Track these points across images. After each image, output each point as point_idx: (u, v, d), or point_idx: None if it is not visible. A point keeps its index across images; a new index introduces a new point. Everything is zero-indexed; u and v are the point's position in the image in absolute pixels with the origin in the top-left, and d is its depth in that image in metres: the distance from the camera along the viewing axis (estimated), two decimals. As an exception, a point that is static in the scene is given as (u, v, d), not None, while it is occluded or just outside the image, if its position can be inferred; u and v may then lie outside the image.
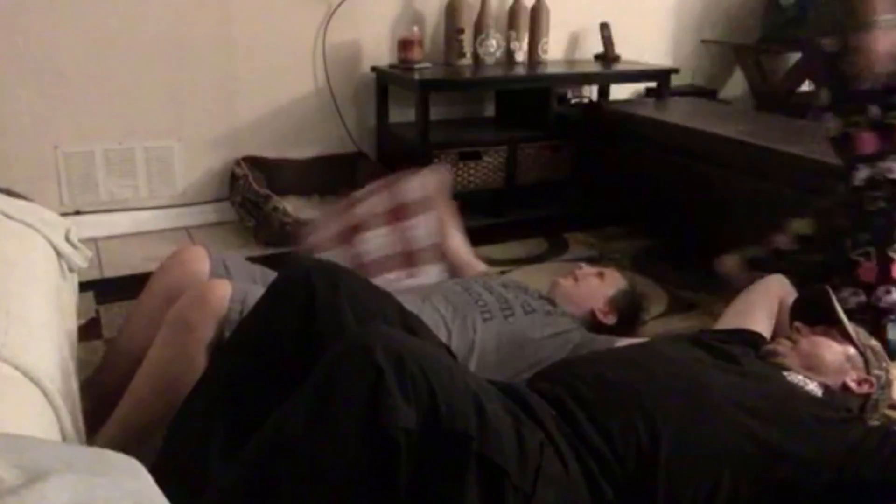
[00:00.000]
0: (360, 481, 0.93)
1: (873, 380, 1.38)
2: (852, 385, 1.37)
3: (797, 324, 1.50)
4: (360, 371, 0.95)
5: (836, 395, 1.35)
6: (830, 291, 1.51)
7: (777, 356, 1.42)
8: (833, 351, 1.41)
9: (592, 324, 1.71)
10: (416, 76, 2.72)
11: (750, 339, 1.50)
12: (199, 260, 1.48)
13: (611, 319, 1.72)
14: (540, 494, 1.00)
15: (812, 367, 1.38)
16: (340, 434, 0.93)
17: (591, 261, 2.39)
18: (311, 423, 0.95)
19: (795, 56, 3.60)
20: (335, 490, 0.93)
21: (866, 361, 1.40)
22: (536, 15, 3.10)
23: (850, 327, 1.45)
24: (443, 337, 1.33)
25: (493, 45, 3.00)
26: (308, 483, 0.93)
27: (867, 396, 1.38)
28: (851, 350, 1.41)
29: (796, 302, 1.62)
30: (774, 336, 1.63)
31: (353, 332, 1.04)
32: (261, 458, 0.97)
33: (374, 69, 2.93)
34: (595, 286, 1.74)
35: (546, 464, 1.04)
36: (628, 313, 1.76)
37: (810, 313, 1.53)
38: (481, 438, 0.97)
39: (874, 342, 1.47)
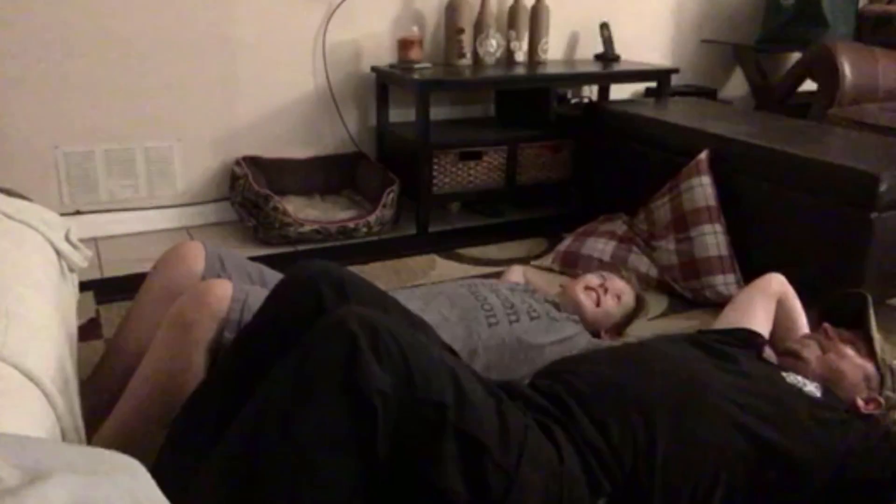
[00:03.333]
0: (341, 448, 0.94)
1: (882, 400, 1.36)
2: (860, 404, 1.35)
3: (826, 325, 1.48)
4: (335, 339, 0.97)
5: (836, 396, 1.35)
6: (869, 301, 1.49)
7: (800, 360, 1.41)
8: (854, 368, 1.39)
9: (589, 328, 1.73)
10: (416, 76, 2.72)
11: (749, 339, 1.50)
12: (196, 256, 1.48)
13: (607, 338, 1.77)
14: (524, 475, 1.01)
15: (830, 380, 1.37)
16: (319, 400, 0.95)
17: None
18: (291, 392, 0.97)
19: (795, 56, 3.60)
20: (317, 458, 0.94)
21: (882, 382, 1.39)
22: (536, 15, 3.10)
23: (878, 343, 1.43)
24: (447, 340, 1.32)
25: (493, 45, 3.00)
26: (290, 451, 0.94)
27: (870, 416, 1.36)
28: (871, 369, 1.40)
29: (830, 301, 1.60)
30: (774, 336, 1.63)
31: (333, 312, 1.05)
32: (245, 430, 0.98)
33: (374, 69, 2.93)
34: (611, 311, 1.77)
35: (531, 445, 1.04)
36: (621, 328, 1.83)
37: (842, 315, 1.51)
38: (458, 410, 0.98)
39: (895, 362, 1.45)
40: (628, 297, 1.81)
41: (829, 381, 1.36)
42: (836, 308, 1.55)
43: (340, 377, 0.94)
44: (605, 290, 1.77)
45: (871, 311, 1.47)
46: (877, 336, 1.44)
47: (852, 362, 1.39)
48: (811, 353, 1.42)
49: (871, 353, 1.41)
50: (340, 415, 0.94)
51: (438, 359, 1.03)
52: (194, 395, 1.19)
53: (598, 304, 1.75)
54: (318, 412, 0.94)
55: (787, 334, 1.64)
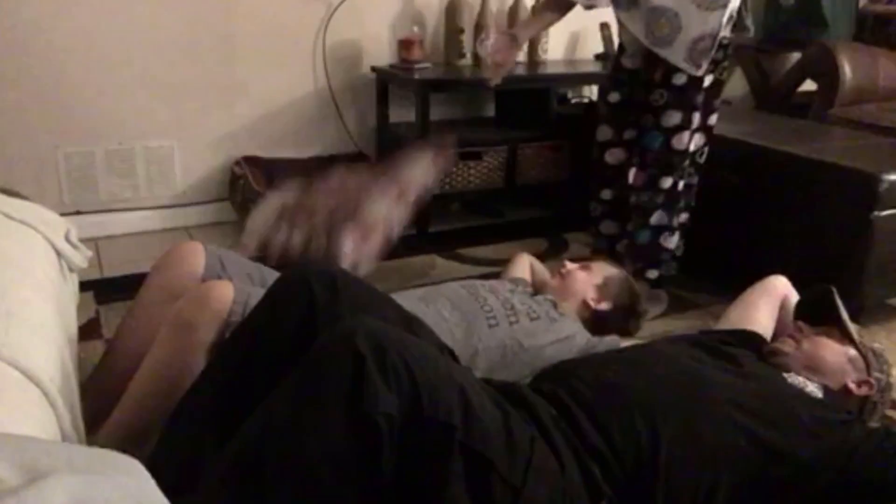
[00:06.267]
0: (346, 468, 0.94)
1: (873, 382, 1.39)
2: (852, 387, 1.37)
3: (799, 323, 1.51)
4: (342, 358, 0.96)
5: (836, 397, 1.35)
6: (834, 291, 1.51)
7: (780, 356, 1.42)
8: (834, 352, 1.41)
9: (589, 317, 1.71)
10: (416, 76, 2.72)
11: (750, 340, 1.51)
12: (195, 257, 1.47)
13: (605, 306, 1.72)
14: (530, 488, 1.01)
15: (813, 367, 1.38)
16: (325, 419, 0.94)
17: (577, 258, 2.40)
18: (296, 409, 0.96)
19: (795, 56, 3.60)
20: (321, 476, 0.93)
21: (867, 364, 1.40)
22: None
23: (852, 328, 1.45)
24: (447, 341, 1.32)
25: (494, 45, 3.00)
26: (295, 468, 0.94)
27: (866, 399, 1.39)
28: (852, 351, 1.42)
29: (800, 301, 1.63)
30: (776, 336, 1.64)
31: (340, 323, 1.05)
32: (249, 444, 0.97)
33: (374, 69, 2.93)
34: (582, 278, 1.75)
35: (537, 458, 1.04)
36: (622, 298, 1.76)
37: (813, 313, 1.53)
38: (465, 428, 0.98)
39: (876, 345, 1.47)
40: (600, 266, 1.79)
41: (814, 369, 1.38)
42: (807, 307, 1.58)
43: (346, 399, 0.94)
44: (564, 265, 1.78)
45: (839, 301, 1.50)
46: (849, 322, 1.46)
47: (831, 348, 1.42)
48: (789, 347, 1.44)
49: (848, 339, 1.44)
50: (345, 435, 0.93)
51: (446, 374, 1.02)
52: (189, 393, 1.19)
53: (562, 277, 1.75)
54: (323, 431, 0.94)
55: None
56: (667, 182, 2.08)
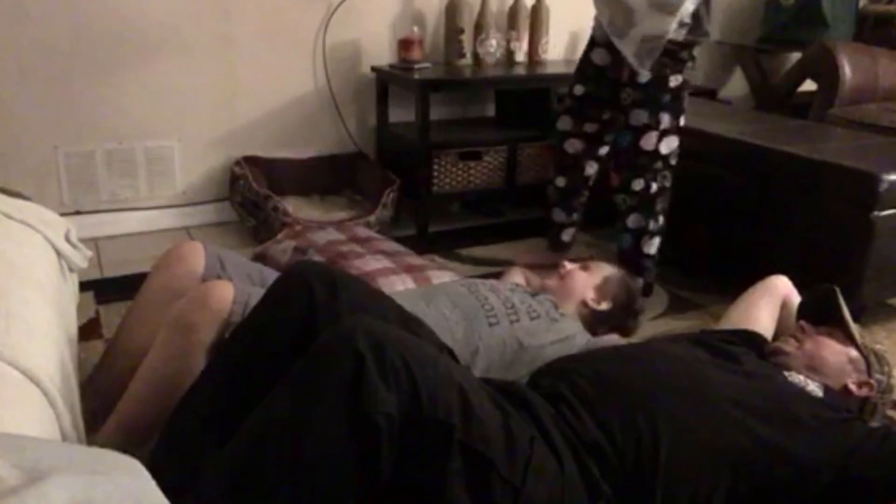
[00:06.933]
0: (345, 467, 0.94)
1: (874, 383, 1.39)
2: (852, 387, 1.37)
3: (802, 322, 1.50)
4: (341, 358, 0.96)
5: (837, 397, 1.35)
6: (837, 292, 1.51)
7: (781, 355, 1.42)
8: (836, 352, 1.41)
9: (589, 317, 1.70)
10: (416, 76, 2.72)
11: (751, 339, 1.51)
12: (195, 256, 1.47)
13: (604, 306, 1.71)
14: (530, 488, 1.01)
15: (814, 367, 1.39)
16: (324, 419, 0.94)
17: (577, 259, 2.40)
18: (296, 408, 0.96)
19: (795, 56, 3.60)
20: (320, 475, 0.94)
21: (868, 365, 1.41)
22: (536, 15, 3.10)
23: (855, 329, 1.45)
24: (447, 341, 1.32)
25: (493, 45, 3.00)
26: (294, 468, 0.94)
27: (866, 399, 1.39)
28: (854, 352, 1.42)
29: (803, 301, 1.63)
30: (777, 336, 1.64)
31: (339, 323, 1.05)
32: (248, 444, 0.98)
33: (374, 69, 2.93)
34: (581, 278, 1.74)
35: (536, 458, 1.04)
36: (621, 298, 1.75)
37: (816, 313, 1.53)
38: (465, 427, 0.98)
39: (878, 346, 1.47)
40: (599, 266, 1.78)
41: (815, 369, 1.38)
42: (810, 307, 1.58)
43: (345, 399, 0.94)
44: (563, 266, 1.77)
45: (842, 301, 1.50)
46: (851, 322, 1.47)
47: (832, 348, 1.42)
48: (791, 346, 1.44)
49: (850, 340, 1.44)
50: (345, 435, 0.93)
51: (445, 373, 1.02)
52: (189, 393, 1.19)
53: (560, 277, 1.74)
54: (323, 431, 0.94)
55: None
56: (638, 184, 2.11)
